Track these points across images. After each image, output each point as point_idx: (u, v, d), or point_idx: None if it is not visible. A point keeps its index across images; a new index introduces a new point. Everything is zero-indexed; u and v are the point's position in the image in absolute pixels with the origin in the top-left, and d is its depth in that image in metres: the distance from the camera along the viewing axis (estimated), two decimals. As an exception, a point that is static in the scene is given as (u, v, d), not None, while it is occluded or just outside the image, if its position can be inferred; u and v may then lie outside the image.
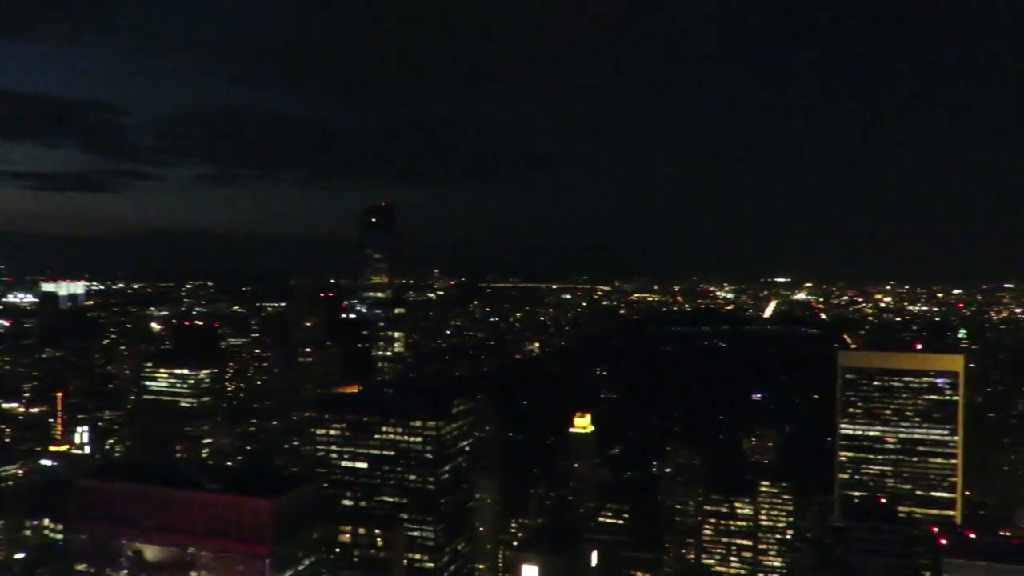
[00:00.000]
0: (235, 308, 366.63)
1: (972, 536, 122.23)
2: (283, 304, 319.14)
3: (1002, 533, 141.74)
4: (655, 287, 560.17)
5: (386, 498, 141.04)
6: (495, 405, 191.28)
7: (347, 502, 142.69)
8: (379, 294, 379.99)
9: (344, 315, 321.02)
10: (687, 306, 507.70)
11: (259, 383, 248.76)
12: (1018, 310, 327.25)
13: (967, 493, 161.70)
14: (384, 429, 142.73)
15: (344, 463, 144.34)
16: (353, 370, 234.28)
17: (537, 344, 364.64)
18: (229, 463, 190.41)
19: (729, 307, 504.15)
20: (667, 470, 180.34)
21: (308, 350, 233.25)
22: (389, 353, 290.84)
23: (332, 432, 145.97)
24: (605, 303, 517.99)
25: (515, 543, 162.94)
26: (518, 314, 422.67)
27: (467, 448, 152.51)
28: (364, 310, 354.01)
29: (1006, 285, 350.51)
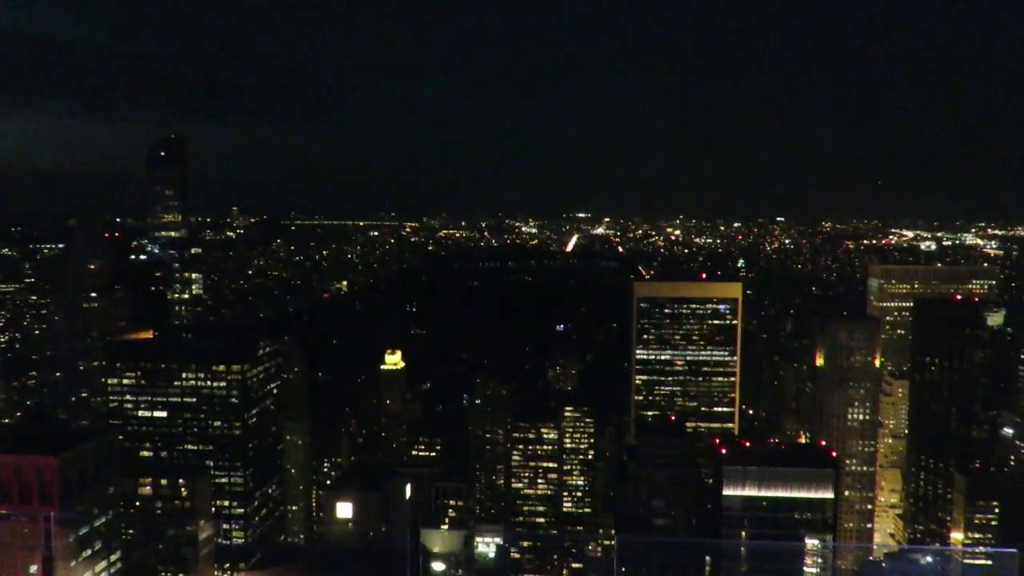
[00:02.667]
0: (2, 251, 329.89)
1: (747, 444, 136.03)
2: (61, 246, 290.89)
3: (772, 440, 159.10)
4: (463, 223, 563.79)
5: (190, 447, 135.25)
6: (303, 346, 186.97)
7: (146, 454, 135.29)
8: (172, 234, 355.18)
9: (134, 257, 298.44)
10: (494, 242, 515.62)
11: (38, 332, 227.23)
12: (787, 241, 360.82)
13: (744, 407, 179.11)
14: (184, 375, 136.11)
15: (141, 413, 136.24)
16: (146, 315, 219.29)
17: (344, 283, 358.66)
18: (6, 420, 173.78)
19: (534, 242, 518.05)
20: (476, 402, 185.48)
21: (93, 295, 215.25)
22: (186, 296, 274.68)
23: (125, 382, 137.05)
24: (413, 240, 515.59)
25: (328, 482, 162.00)
26: (324, 253, 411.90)
27: (275, 391, 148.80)
28: (156, 251, 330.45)
29: (778, 219, 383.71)
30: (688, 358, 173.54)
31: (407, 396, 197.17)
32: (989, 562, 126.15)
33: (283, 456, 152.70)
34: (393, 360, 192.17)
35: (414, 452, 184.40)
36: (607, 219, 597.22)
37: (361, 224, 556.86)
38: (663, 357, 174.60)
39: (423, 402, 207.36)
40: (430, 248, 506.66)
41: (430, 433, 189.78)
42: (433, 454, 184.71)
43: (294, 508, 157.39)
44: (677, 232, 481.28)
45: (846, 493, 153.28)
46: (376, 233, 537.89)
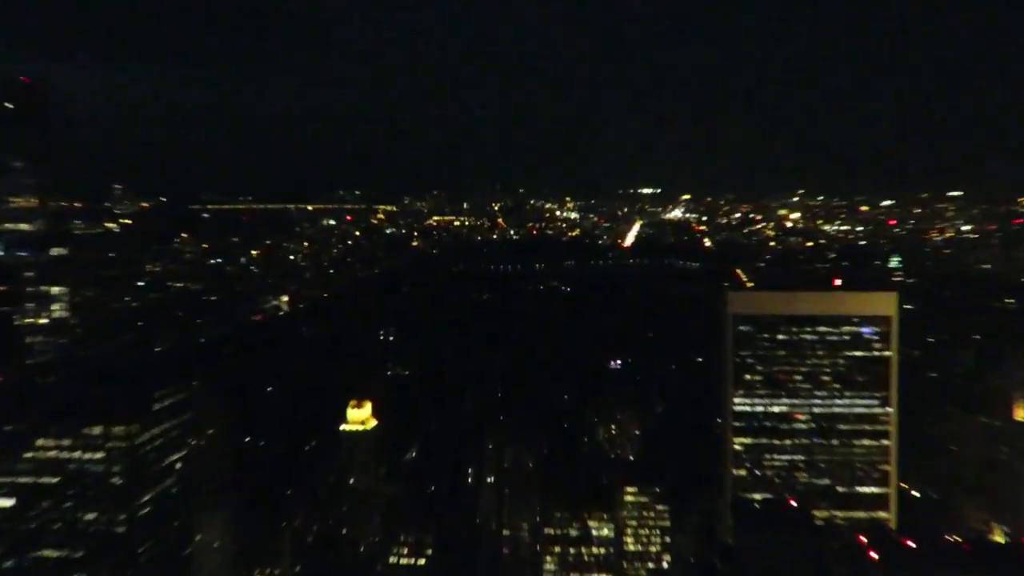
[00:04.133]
0: None
1: (911, 544, 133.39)
2: None
3: (949, 538, 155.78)
4: (464, 206, 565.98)
5: (48, 552, 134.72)
6: (224, 394, 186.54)
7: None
8: (24, 226, 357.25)
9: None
10: (512, 233, 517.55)
11: None
12: (965, 227, 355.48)
13: (903, 485, 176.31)
14: (40, 443, 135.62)
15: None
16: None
17: (286, 297, 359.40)
18: None
19: (573, 233, 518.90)
20: (488, 479, 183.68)
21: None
22: (44, 321, 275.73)
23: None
24: (389, 231, 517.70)
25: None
26: (254, 252, 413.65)
27: (180, 464, 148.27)
28: (0, 252, 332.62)
29: (952, 193, 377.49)
30: (815, 410, 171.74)
31: (381, 470, 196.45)
32: None
33: (192, 565, 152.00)
34: (360, 415, 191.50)
35: (393, 559, 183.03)
36: (686, 197, 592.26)
37: (310, 208, 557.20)
38: (775, 408, 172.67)
39: (407, 479, 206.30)
40: (415, 243, 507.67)
41: (417, 527, 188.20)
42: (422, 561, 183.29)
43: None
44: (795, 215, 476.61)
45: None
46: (332, 221, 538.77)
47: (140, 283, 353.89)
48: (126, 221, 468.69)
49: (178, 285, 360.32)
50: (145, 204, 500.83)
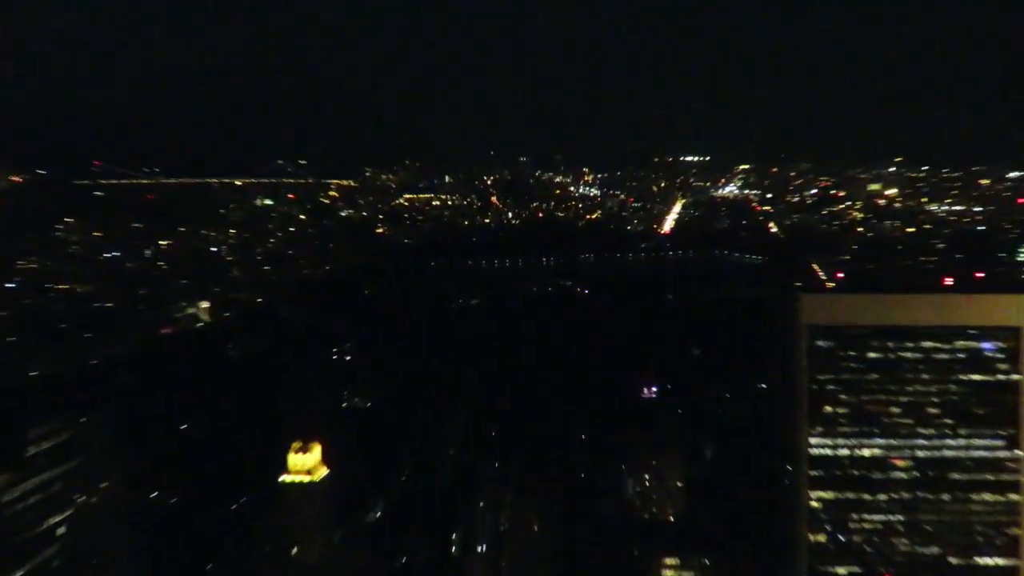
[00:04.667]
0: None
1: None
2: None
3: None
4: (447, 179, 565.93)
5: None
6: (123, 433, 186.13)
7: None
8: None
9: None
10: (510, 216, 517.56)
11: None
12: None
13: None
14: None
15: None
16: None
17: (207, 304, 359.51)
18: None
19: (593, 215, 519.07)
20: (479, 548, 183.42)
21: None
22: None
23: None
24: (346, 213, 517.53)
25: None
26: (164, 243, 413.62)
27: (64, 528, 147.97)
28: None
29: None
30: (919, 453, 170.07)
31: (336, 535, 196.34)
32: None
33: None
34: (306, 462, 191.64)
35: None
36: (744, 167, 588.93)
37: (239, 184, 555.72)
38: (866, 452, 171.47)
39: (369, 546, 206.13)
40: (380, 230, 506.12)
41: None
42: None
43: None
44: (890, 191, 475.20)
45: None
46: (269, 201, 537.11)
47: (9, 284, 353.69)
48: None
49: (62, 287, 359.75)
50: (17, 178, 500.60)
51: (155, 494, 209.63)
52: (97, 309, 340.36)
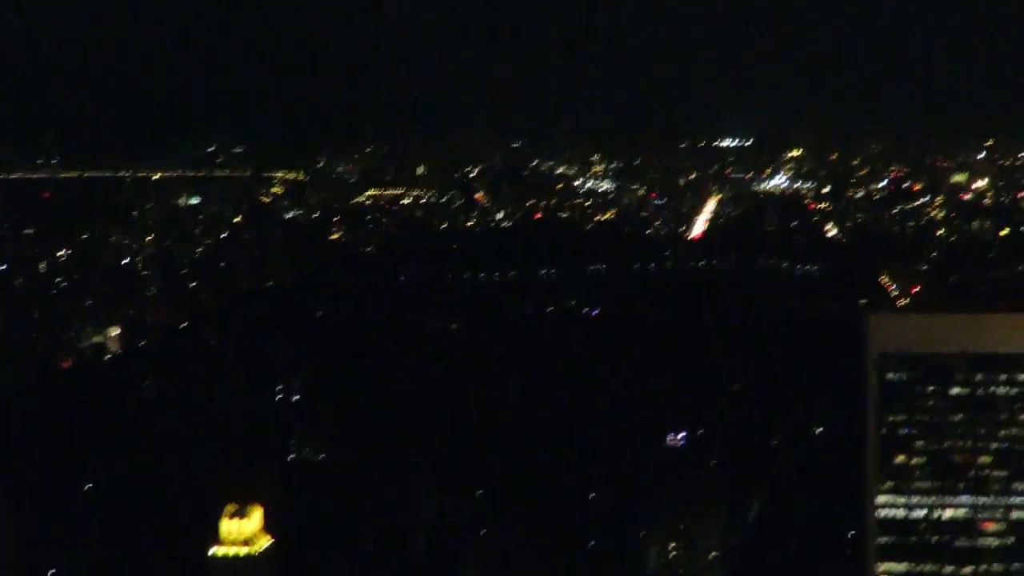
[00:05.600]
0: None
1: None
2: None
3: None
4: (419, 171, 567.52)
5: None
6: (14, 493, 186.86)
7: None
8: None
9: None
10: (500, 216, 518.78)
11: None
12: None
13: None
14: None
15: None
16: None
17: (117, 330, 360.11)
18: None
19: (606, 215, 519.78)
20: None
21: None
22: None
23: None
24: (291, 215, 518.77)
25: None
26: (62, 253, 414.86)
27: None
28: None
29: None
30: (1015, 515, 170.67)
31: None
32: None
33: None
34: (243, 530, 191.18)
35: None
36: (795, 153, 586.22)
37: (156, 177, 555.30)
38: (949, 513, 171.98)
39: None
40: (335, 235, 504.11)
41: None
42: None
43: None
44: (980, 183, 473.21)
45: None
46: (196, 200, 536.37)
47: None
48: None
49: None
50: None
51: (52, 572, 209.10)
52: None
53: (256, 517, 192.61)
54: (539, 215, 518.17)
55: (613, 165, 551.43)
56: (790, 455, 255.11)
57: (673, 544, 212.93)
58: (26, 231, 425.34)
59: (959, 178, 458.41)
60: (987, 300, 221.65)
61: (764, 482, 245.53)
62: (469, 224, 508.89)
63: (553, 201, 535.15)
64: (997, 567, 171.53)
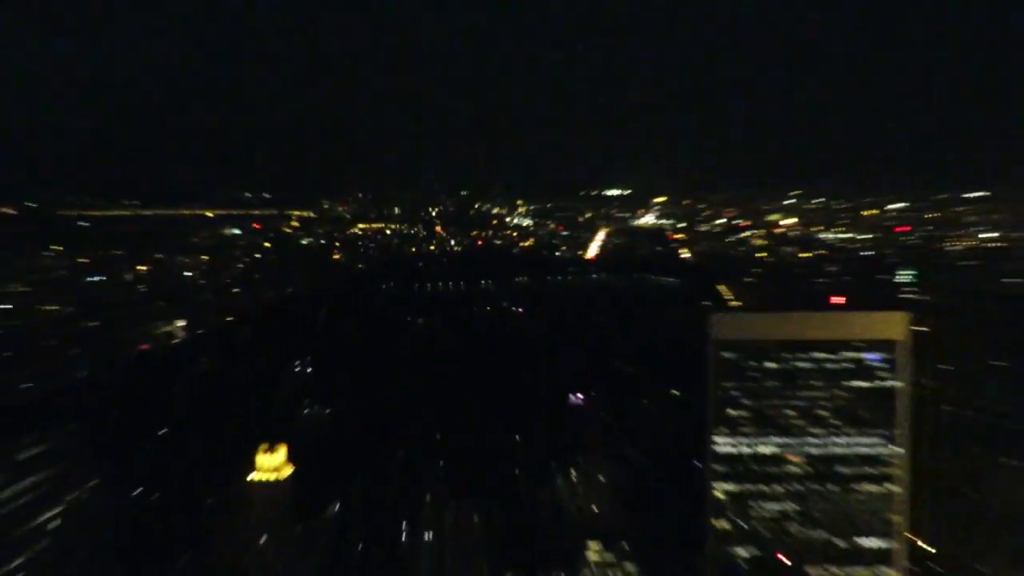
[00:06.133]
0: None
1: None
2: None
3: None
4: (395, 211, 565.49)
5: None
6: (106, 439, 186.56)
7: None
8: None
9: None
10: (453, 243, 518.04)
11: None
12: (991, 234, 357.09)
13: (913, 538, 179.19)
14: None
15: None
16: None
17: (181, 322, 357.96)
18: None
19: (527, 243, 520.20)
20: (426, 537, 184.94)
21: None
22: None
23: None
24: (306, 241, 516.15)
25: None
26: (141, 268, 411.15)
27: (55, 523, 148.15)
28: None
29: (974, 195, 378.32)
30: (810, 451, 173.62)
31: (297, 530, 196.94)
32: None
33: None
34: (272, 462, 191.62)
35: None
36: (661, 200, 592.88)
37: (209, 215, 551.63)
38: (764, 450, 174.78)
39: (329, 537, 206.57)
40: (336, 256, 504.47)
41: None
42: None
43: None
44: (788, 221, 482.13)
45: None
46: (237, 231, 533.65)
47: (3, 306, 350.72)
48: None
49: (49, 308, 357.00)
50: (7, 210, 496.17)
51: (135, 492, 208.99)
52: (82, 328, 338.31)
53: (282, 453, 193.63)
54: (480, 242, 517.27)
55: (532, 207, 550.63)
56: (655, 411, 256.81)
57: (573, 473, 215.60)
58: (116, 252, 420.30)
59: (774, 217, 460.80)
60: (792, 303, 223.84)
61: (638, 429, 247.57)
62: (431, 249, 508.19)
63: (490, 232, 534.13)
64: (797, 486, 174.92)
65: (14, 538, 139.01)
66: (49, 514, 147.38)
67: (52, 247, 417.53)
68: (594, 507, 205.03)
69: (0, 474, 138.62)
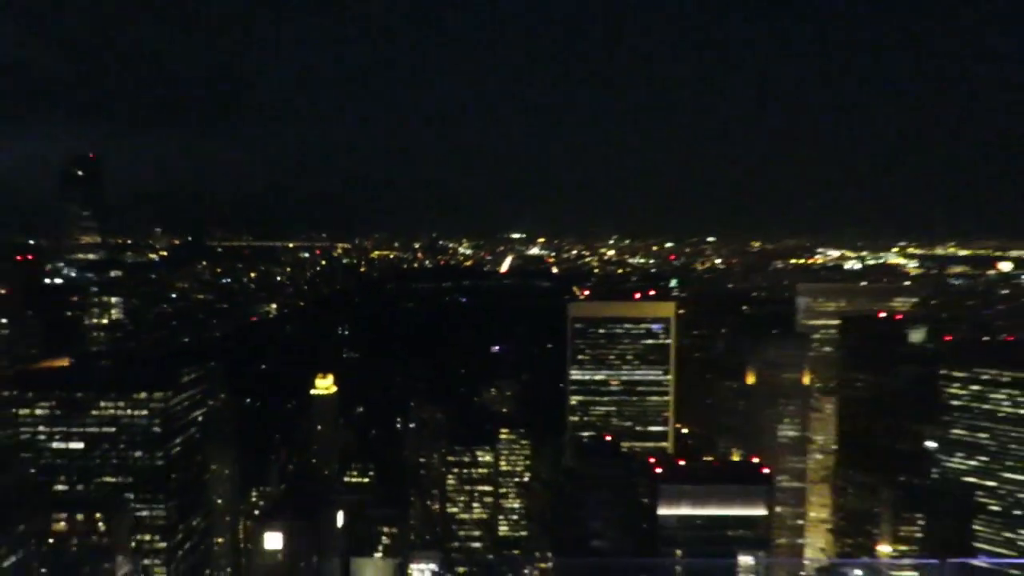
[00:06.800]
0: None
1: (682, 463, 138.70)
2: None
3: (706, 458, 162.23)
4: (396, 244, 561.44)
5: (108, 479, 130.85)
6: (230, 371, 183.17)
7: (61, 487, 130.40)
8: (90, 256, 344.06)
9: (48, 281, 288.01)
10: (428, 263, 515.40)
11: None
12: (718, 261, 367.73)
13: (678, 426, 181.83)
14: (102, 404, 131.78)
15: (55, 445, 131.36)
16: (61, 341, 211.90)
17: (274, 305, 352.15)
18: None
19: (468, 263, 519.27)
20: (411, 426, 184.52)
21: (2, 321, 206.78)
22: (104, 321, 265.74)
23: (38, 412, 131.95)
24: (345, 261, 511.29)
25: (256, 512, 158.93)
26: (252, 275, 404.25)
27: (200, 419, 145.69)
28: (73, 274, 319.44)
29: (708, 239, 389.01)
30: (623, 378, 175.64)
31: (339, 421, 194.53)
32: (915, 574, 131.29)
33: (209, 487, 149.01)
34: (324, 384, 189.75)
35: (346, 479, 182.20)
36: (541, 239, 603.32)
37: (291, 245, 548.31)
38: (598, 377, 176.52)
39: (356, 427, 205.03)
40: (362, 269, 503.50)
41: (363, 459, 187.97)
42: (366, 480, 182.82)
43: (220, 540, 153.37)
44: (611, 252, 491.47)
45: (778, 509, 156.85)
46: (307, 255, 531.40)
47: (172, 296, 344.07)
48: (163, 252, 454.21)
49: (198, 297, 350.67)
50: (176, 241, 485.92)
51: (247, 401, 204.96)
52: (217, 308, 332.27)
53: (330, 379, 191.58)
54: (442, 263, 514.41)
55: (471, 243, 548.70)
56: (539, 356, 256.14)
57: (494, 390, 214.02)
58: (238, 266, 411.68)
59: (603, 250, 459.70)
60: (613, 297, 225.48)
61: (530, 368, 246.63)
62: (415, 266, 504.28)
63: (448, 257, 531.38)
64: (616, 398, 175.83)
65: (176, 427, 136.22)
66: (197, 412, 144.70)
67: (201, 263, 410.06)
68: (505, 409, 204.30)
69: (171, 388, 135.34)
